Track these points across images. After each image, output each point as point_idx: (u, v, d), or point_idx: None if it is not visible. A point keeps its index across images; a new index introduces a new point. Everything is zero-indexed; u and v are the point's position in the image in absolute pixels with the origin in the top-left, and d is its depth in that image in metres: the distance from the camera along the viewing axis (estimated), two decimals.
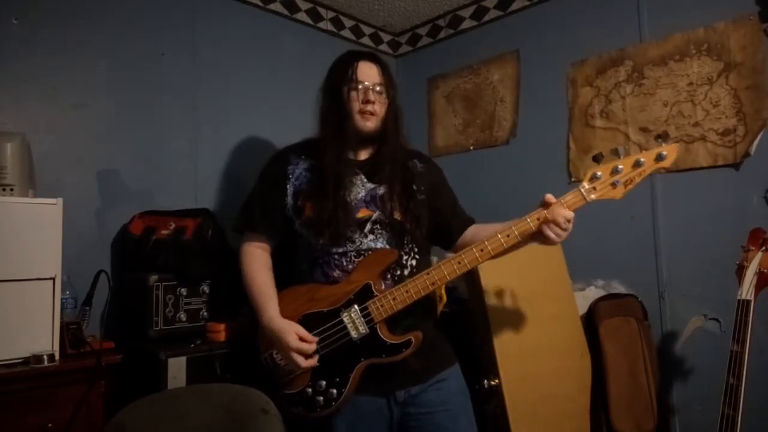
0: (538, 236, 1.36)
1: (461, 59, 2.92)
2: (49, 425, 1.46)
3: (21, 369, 1.46)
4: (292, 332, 1.39)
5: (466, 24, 2.90)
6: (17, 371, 1.45)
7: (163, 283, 1.79)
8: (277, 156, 1.64)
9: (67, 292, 1.72)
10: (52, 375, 1.49)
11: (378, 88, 1.53)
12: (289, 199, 1.53)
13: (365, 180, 1.53)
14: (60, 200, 1.59)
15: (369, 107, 1.51)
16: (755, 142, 1.96)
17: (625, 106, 2.30)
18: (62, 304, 1.62)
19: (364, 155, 1.58)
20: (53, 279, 1.55)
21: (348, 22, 2.98)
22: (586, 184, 1.33)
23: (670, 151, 1.31)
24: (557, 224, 1.32)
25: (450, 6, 2.90)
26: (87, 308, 1.83)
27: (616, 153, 1.33)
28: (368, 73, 1.53)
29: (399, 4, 2.87)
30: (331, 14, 2.89)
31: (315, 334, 1.41)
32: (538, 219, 1.33)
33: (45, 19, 1.93)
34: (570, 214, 1.32)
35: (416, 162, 1.63)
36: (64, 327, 1.60)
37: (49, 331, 1.53)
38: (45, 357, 1.48)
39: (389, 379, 1.41)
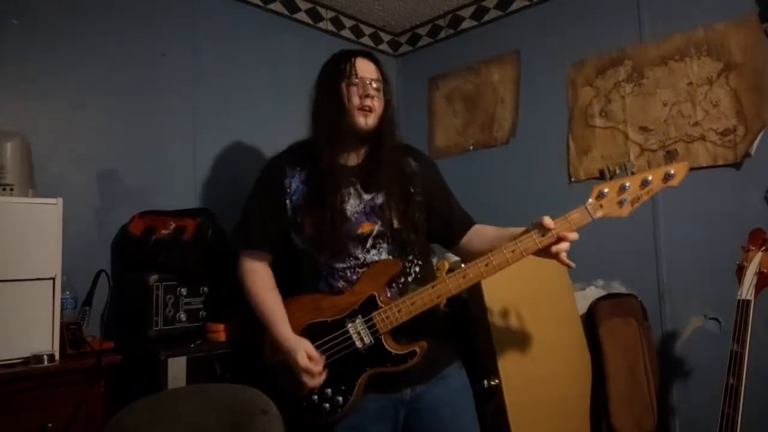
0: (541, 253, 1.33)
1: (461, 59, 2.92)
2: (49, 425, 1.46)
3: (21, 369, 1.45)
4: (301, 350, 1.36)
5: (466, 24, 2.90)
6: (17, 371, 1.44)
7: (163, 283, 1.79)
8: (272, 167, 1.57)
9: (67, 292, 1.72)
10: (52, 375, 1.49)
11: (375, 85, 1.49)
12: (290, 215, 1.50)
13: (361, 191, 1.50)
14: (60, 200, 1.59)
15: (368, 102, 1.46)
16: (755, 143, 1.96)
17: (625, 106, 2.30)
18: (62, 304, 1.62)
19: (357, 159, 1.53)
20: (53, 279, 1.55)
21: (348, 22, 2.98)
22: (592, 201, 1.29)
23: (678, 170, 1.27)
24: (561, 247, 1.29)
25: (450, 6, 2.90)
26: (87, 308, 1.83)
27: (623, 168, 1.29)
28: (366, 69, 1.49)
29: (399, 4, 2.87)
30: (331, 14, 2.89)
31: (320, 344, 1.40)
32: (543, 236, 1.29)
33: (45, 19, 1.93)
34: (575, 236, 1.30)
35: (410, 160, 1.59)
36: (64, 327, 1.60)
37: (49, 331, 1.53)
38: (45, 357, 1.48)
39: (394, 382, 1.41)
